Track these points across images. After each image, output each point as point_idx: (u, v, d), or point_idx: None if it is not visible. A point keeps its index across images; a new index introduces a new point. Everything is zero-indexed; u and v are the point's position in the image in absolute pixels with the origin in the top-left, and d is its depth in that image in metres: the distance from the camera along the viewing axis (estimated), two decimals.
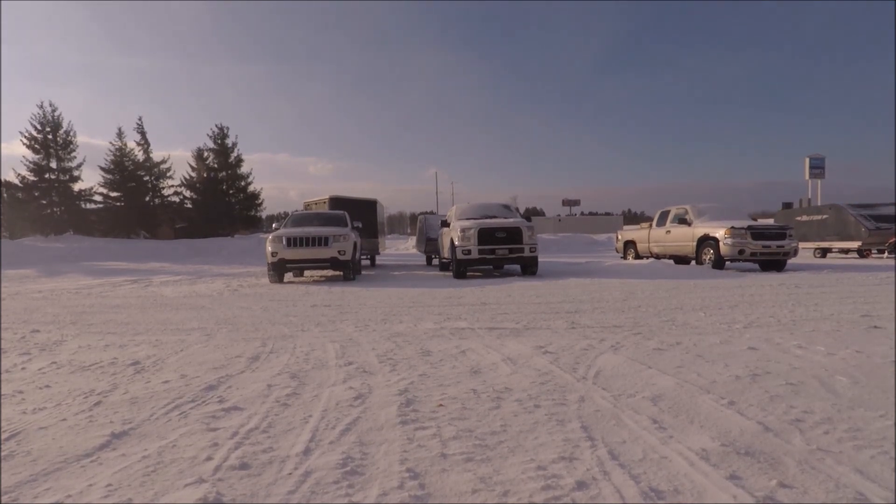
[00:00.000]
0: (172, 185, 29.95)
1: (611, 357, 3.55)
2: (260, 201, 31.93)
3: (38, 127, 26.30)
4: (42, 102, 26.81)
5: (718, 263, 11.05)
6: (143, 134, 28.95)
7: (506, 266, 12.13)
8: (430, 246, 15.26)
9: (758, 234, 10.76)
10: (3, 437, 2.28)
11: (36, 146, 26.20)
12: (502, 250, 10.26)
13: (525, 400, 2.66)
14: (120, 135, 28.20)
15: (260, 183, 30.41)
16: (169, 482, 1.82)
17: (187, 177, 30.34)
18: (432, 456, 2.01)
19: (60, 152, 26.67)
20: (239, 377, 3.21)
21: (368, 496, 1.71)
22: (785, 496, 1.68)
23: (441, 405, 2.61)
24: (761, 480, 1.78)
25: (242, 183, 31.26)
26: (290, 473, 1.87)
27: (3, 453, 2.10)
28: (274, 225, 11.75)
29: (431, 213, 28.68)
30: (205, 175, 30.10)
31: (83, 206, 27.86)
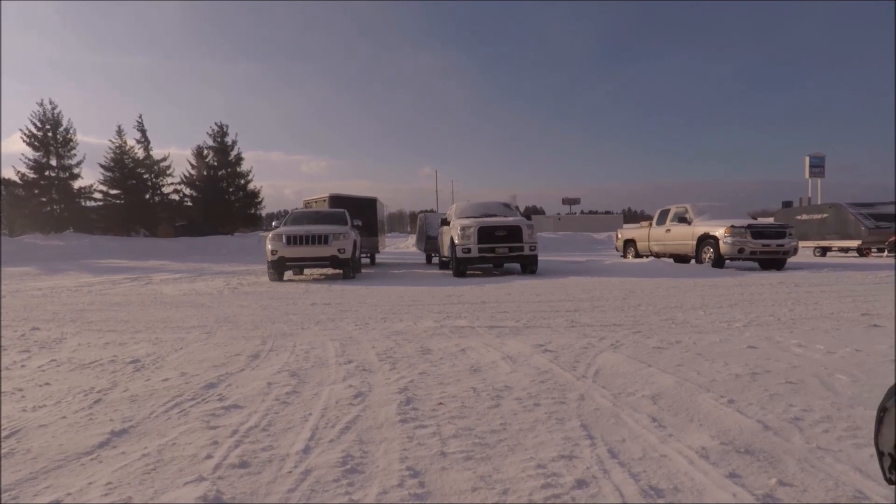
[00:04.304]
0: (172, 183, 29.99)
1: (610, 355, 3.55)
2: (259, 199, 31.97)
3: (38, 124, 26.28)
4: (42, 100, 26.83)
5: (718, 262, 11.05)
6: (143, 132, 28.97)
7: (505, 265, 12.13)
8: (429, 244, 15.25)
9: (757, 232, 10.75)
10: (3, 434, 2.28)
11: (36, 144, 26.18)
12: (502, 249, 10.26)
13: (525, 398, 2.66)
14: (119, 132, 28.22)
15: (255, 181, 30.41)
16: (169, 480, 1.82)
17: (187, 174, 30.34)
18: (432, 454, 2.01)
19: (60, 150, 26.65)
20: (239, 375, 3.21)
21: (368, 494, 1.71)
22: (784, 494, 1.68)
23: (441, 404, 2.61)
24: (761, 479, 1.78)
25: (242, 181, 31.26)
26: (290, 472, 1.87)
27: (3, 451, 2.10)
28: (274, 223, 11.74)
29: (431, 211, 28.68)
30: (204, 173, 30.09)
31: (83, 203, 27.87)
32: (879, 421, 1.38)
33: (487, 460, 1.96)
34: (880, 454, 1.38)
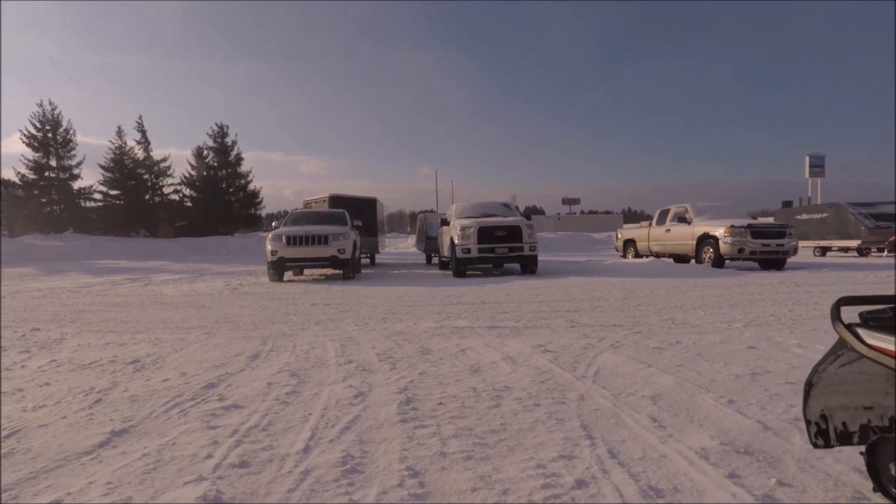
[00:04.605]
0: (172, 184, 29.98)
1: (610, 356, 3.55)
2: (259, 200, 31.96)
3: (38, 125, 26.27)
4: (42, 101, 26.80)
5: (718, 262, 11.05)
6: (143, 132, 28.97)
7: (505, 265, 12.13)
8: (429, 244, 15.25)
9: (757, 232, 10.76)
10: (4, 434, 2.28)
11: (35, 144, 26.17)
12: (502, 249, 10.26)
13: (525, 398, 2.66)
14: (119, 133, 28.21)
15: (255, 181, 30.59)
16: (169, 480, 1.83)
17: (187, 175, 30.35)
18: (432, 454, 2.01)
19: (60, 150, 26.65)
20: (239, 375, 3.21)
21: (368, 494, 1.71)
22: (784, 495, 1.68)
23: (441, 404, 2.61)
24: (760, 479, 1.78)
25: (242, 181, 31.26)
26: (290, 471, 1.87)
27: (3, 451, 2.10)
28: (274, 223, 11.74)
29: (431, 211, 28.68)
30: (204, 173, 30.09)
31: (83, 204, 27.87)
32: (807, 395, 1.74)
33: (487, 460, 1.96)
34: (807, 422, 1.74)
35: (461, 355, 3.65)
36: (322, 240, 9.92)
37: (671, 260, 13.03)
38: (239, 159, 31.02)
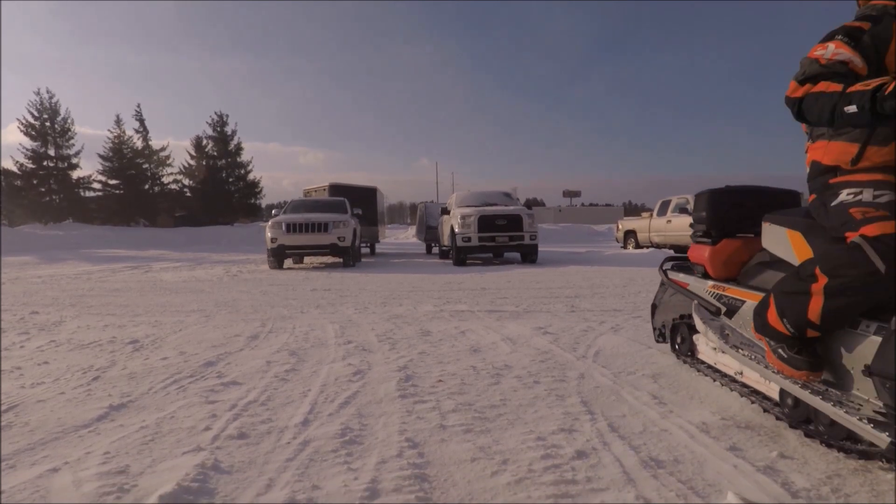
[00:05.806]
0: (172, 174, 29.81)
1: (611, 338, 3.54)
2: (259, 189, 31.80)
3: (36, 114, 26.07)
4: (39, 90, 26.55)
5: None
6: (141, 121, 28.73)
7: (506, 255, 12.11)
8: (429, 234, 15.20)
9: None
10: (2, 409, 2.27)
11: (33, 133, 25.98)
12: (502, 237, 10.23)
13: (525, 377, 2.65)
14: (118, 122, 27.98)
15: (254, 172, 30.39)
16: (167, 450, 1.82)
17: (186, 165, 30.20)
18: (431, 427, 2.00)
19: (59, 140, 26.47)
20: (238, 354, 3.21)
21: (367, 464, 1.70)
22: (786, 466, 1.67)
23: (440, 381, 2.60)
24: (762, 452, 1.77)
25: (242, 171, 31.11)
26: (289, 442, 1.87)
27: (1, 424, 2.09)
28: (273, 211, 11.70)
29: (432, 201, 28.55)
30: (204, 163, 29.93)
31: (82, 193, 27.70)
32: (652, 312, 3.11)
33: (487, 433, 1.95)
34: (654, 329, 3.11)
35: (461, 336, 3.64)
36: (322, 227, 9.89)
37: (672, 251, 13.01)
38: (239, 149, 30.82)
